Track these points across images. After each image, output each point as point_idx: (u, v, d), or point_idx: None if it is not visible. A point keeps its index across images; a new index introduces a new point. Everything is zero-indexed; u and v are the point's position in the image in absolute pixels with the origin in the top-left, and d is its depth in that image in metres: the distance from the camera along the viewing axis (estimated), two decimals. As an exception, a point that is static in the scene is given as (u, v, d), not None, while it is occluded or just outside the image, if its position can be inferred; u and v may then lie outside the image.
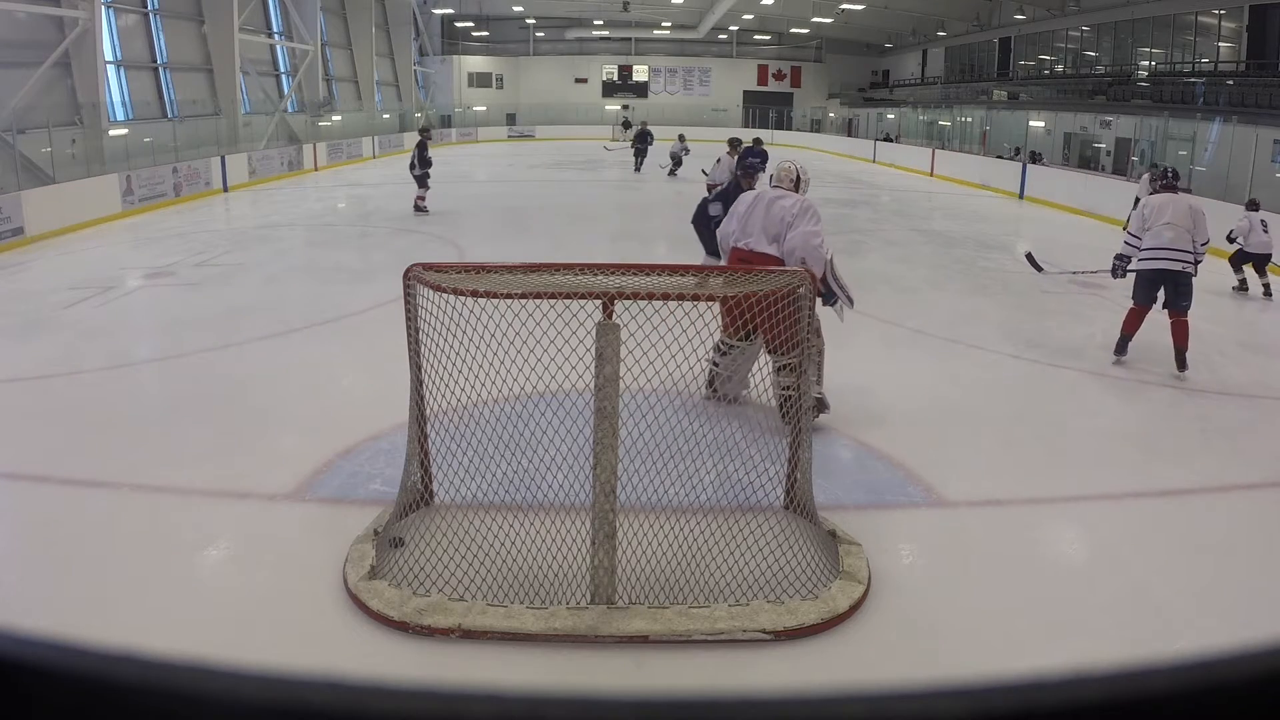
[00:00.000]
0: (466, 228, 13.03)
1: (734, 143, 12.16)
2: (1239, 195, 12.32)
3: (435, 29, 38.21)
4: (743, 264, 4.80)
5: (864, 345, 6.75)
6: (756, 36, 40.36)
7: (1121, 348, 6.33)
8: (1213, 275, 10.13)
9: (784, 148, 33.44)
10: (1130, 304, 6.35)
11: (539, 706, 0.32)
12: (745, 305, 4.11)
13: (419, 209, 13.39)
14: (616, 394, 3.14)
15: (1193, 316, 7.97)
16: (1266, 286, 9.10)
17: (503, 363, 3.35)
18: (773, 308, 3.91)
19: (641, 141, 21.49)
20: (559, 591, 3.22)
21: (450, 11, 37.12)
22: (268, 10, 24.07)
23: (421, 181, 13.37)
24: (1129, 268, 6.47)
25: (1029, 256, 8.55)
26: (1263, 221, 9.07)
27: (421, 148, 13.40)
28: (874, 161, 26.19)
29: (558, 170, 20.22)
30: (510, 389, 3.42)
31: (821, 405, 4.77)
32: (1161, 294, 6.17)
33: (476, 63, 39.93)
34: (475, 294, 3.31)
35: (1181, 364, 6.07)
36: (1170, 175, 6.71)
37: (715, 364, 5.02)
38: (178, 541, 3.69)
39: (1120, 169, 18.12)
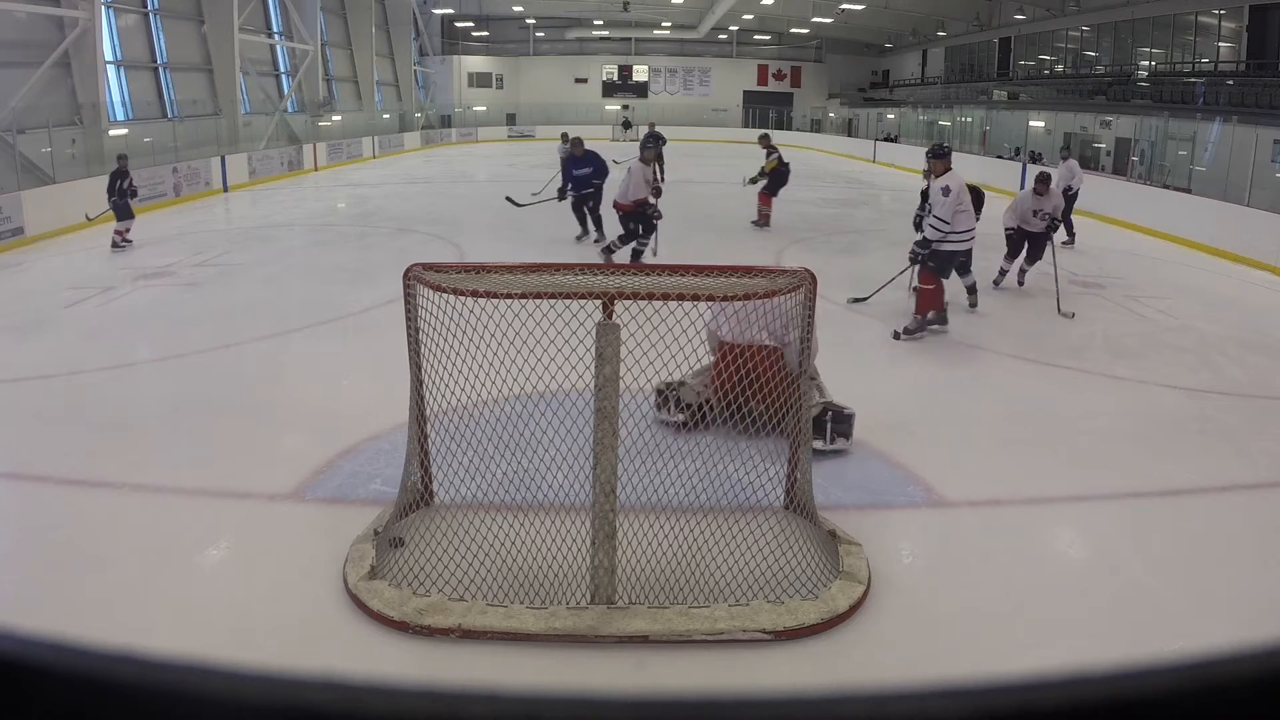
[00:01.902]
0: (466, 228, 13.03)
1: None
2: (1239, 195, 12.33)
3: (435, 29, 38.19)
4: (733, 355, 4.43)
5: (865, 345, 6.75)
6: (756, 36, 40.35)
7: (945, 319, 6.98)
8: (1211, 277, 10.16)
9: (785, 148, 33.46)
10: (919, 287, 6.87)
11: (539, 706, 0.32)
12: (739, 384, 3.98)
13: (116, 245, 11.09)
14: (616, 394, 3.14)
15: (1193, 317, 8.00)
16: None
17: (503, 363, 3.35)
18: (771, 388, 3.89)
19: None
20: (559, 591, 3.22)
21: (450, 11, 37.11)
22: (268, 10, 24.06)
23: (121, 212, 11.15)
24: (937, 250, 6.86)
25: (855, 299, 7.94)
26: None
27: (115, 177, 11.15)
28: (874, 161, 26.19)
29: (558, 170, 20.19)
30: (510, 389, 3.42)
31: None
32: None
33: (476, 63, 39.91)
34: (475, 294, 3.31)
35: (975, 300, 7.55)
36: (948, 150, 7.07)
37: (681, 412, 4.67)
38: (178, 541, 3.69)
39: (1120, 169, 18.11)
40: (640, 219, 9.15)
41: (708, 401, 4.41)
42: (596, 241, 10.39)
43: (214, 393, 5.56)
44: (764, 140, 12.83)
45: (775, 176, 12.43)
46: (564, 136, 17.27)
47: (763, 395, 3.92)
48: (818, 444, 4.57)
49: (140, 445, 4.73)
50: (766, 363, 4.05)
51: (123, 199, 11.18)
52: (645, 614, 3.07)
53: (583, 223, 10.96)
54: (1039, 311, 7.98)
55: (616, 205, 9.33)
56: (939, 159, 6.83)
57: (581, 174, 10.42)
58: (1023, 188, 17.90)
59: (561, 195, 10.63)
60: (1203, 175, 15.70)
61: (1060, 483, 4.40)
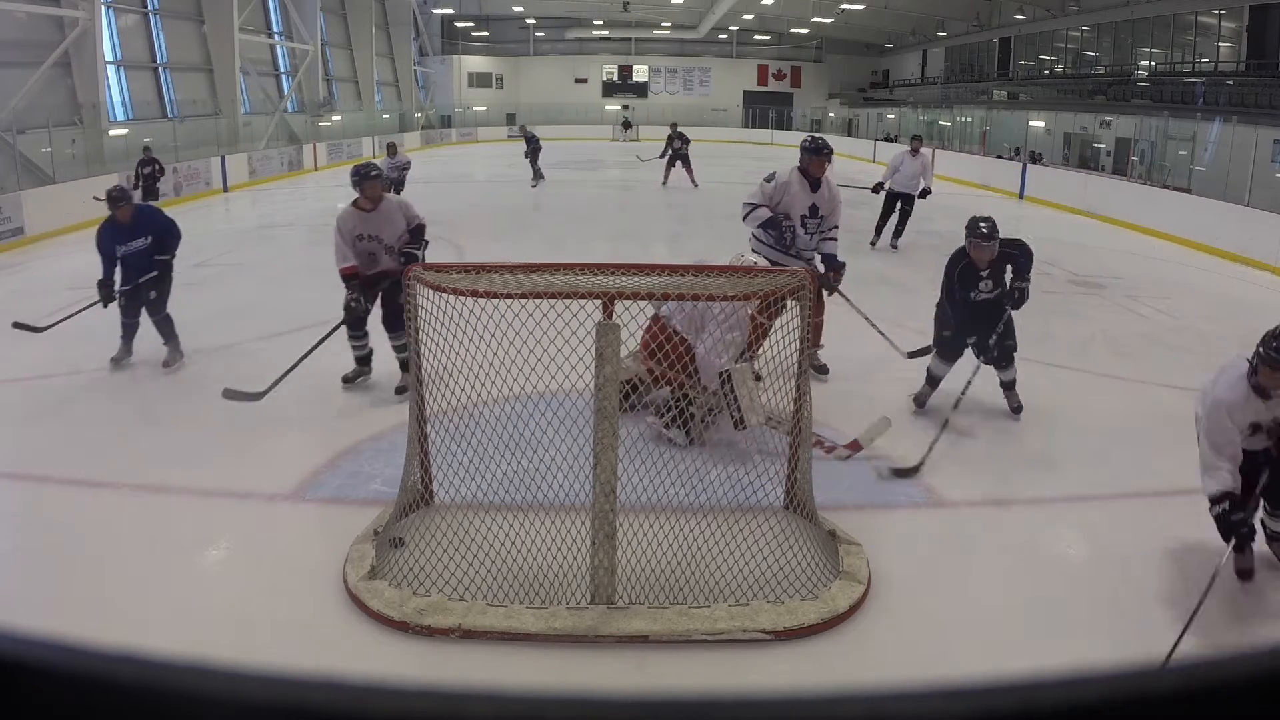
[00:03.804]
0: (466, 228, 13.02)
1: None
2: (1239, 195, 12.33)
3: (435, 29, 38.20)
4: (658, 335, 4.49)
5: (865, 346, 6.74)
6: (756, 36, 40.35)
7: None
8: (1211, 277, 10.16)
9: (785, 148, 33.49)
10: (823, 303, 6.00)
11: (539, 706, 0.32)
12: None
13: None
14: (616, 394, 3.14)
15: (1193, 317, 7.99)
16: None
17: (503, 363, 3.35)
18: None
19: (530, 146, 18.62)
20: (559, 591, 3.22)
21: (450, 11, 37.12)
22: (268, 10, 24.07)
23: (149, 194, 12.35)
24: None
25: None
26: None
27: (144, 164, 12.60)
28: (874, 161, 26.16)
29: (557, 170, 20.19)
30: (510, 389, 3.41)
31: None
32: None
33: (476, 63, 39.92)
34: (475, 294, 3.31)
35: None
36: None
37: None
38: (178, 541, 3.69)
39: (1120, 169, 18.12)
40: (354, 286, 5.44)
41: (639, 376, 4.54)
42: (166, 365, 6.08)
43: (214, 393, 5.55)
44: (673, 127, 17.87)
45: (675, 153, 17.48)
46: (390, 148, 14.02)
47: (664, 375, 4.15)
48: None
49: (140, 445, 4.72)
50: (680, 350, 4.19)
51: (150, 183, 12.78)
52: (645, 614, 3.07)
53: (129, 333, 6.10)
54: (1040, 312, 7.96)
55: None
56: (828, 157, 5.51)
57: (133, 251, 6.00)
58: (1022, 193, 18.01)
59: (107, 295, 5.98)
60: (1203, 175, 15.71)
61: (1060, 483, 4.40)
